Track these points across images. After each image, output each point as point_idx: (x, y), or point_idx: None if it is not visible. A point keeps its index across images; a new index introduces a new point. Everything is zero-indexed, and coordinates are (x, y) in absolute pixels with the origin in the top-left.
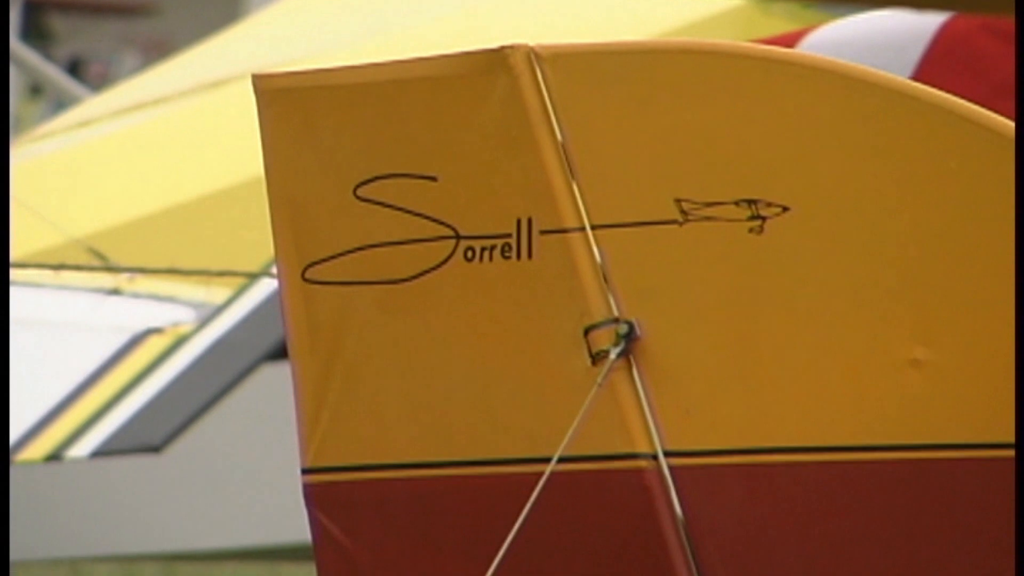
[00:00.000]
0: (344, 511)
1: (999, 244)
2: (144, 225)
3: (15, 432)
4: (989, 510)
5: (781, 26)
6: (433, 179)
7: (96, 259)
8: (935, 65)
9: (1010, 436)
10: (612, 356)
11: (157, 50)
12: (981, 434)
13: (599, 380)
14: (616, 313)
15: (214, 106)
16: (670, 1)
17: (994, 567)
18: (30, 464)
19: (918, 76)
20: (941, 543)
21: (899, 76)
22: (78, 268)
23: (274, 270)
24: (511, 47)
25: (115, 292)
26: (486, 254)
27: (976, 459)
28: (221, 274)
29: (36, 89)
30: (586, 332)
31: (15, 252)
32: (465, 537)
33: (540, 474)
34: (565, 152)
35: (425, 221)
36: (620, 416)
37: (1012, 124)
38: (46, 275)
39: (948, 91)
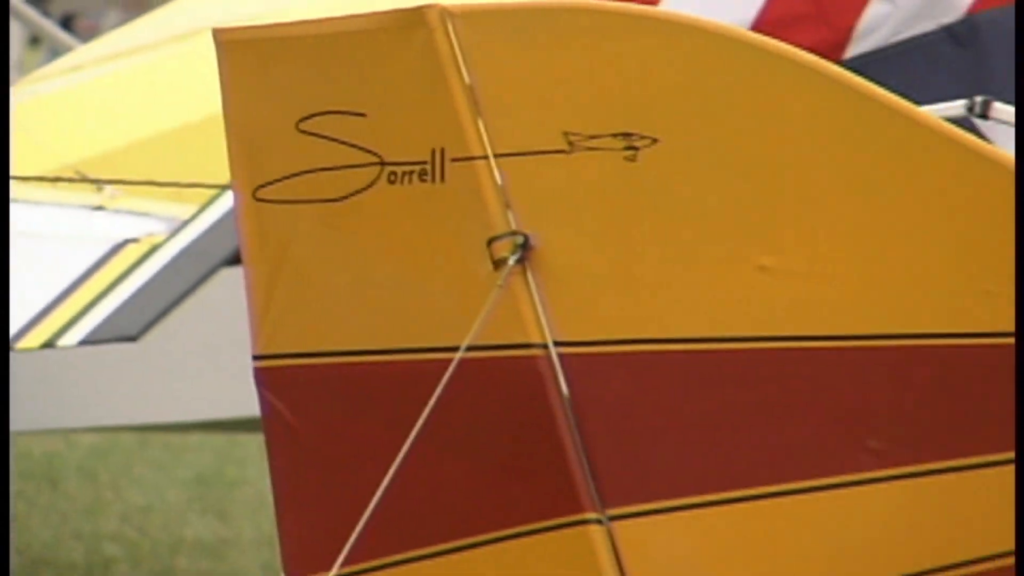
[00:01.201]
0: (288, 391)
1: (831, 168)
2: (125, 152)
3: (16, 324)
4: (825, 392)
5: None
6: (363, 115)
7: (83, 180)
8: (774, 7)
9: (841, 329)
10: (510, 262)
11: (136, 8)
12: (818, 328)
13: (500, 282)
14: (514, 227)
15: (183, 54)
16: None
17: (836, 446)
18: (28, 351)
19: (760, 20)
20: (787, 422)
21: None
22: (70, 180)
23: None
24: (427, 6)
25: (99, 208)
26: (407, 177)
27: (812, 349)
28: (190, 186)
29: (35, 40)
30: (489, 243)
31: (12, 174)
32: (390, 414)
33: (451, 360)
34: (472, 93)
35: (356, 150)
36: (517, 313)
37: (840, 68)
38: (43, 194)
39: (793, 37)
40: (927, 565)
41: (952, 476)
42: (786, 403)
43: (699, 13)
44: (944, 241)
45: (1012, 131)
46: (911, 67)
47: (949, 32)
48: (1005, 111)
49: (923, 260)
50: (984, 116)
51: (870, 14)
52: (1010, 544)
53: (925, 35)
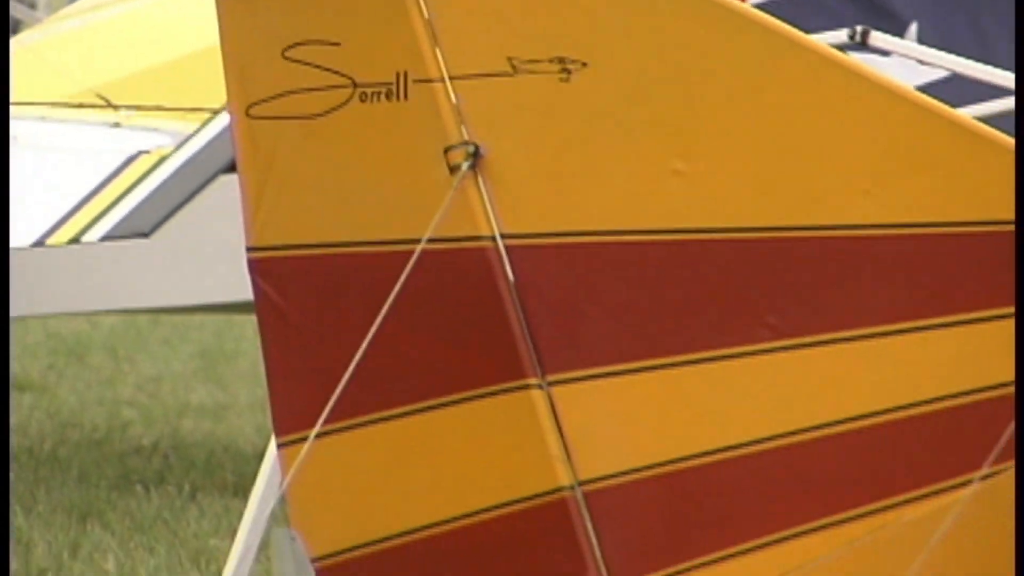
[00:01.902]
0: (276, 277)
1: (732, 87)
2: (139, 78)
3: (46, 224)
4: (730, 276)
5: None
6: (337, 44)
7: (103, 102)
8: None
9: (744, 222)
10: (464, 168)
11: None
12: (724, 222)
13: (455, 185)
14: (467, 138)
15: None
16: None
17: (740, 322)
18: (57, 246)
19: None
20: (699, 301)
21: None
22: (92, 106)
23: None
24: None
25: (116, 125)
26: (375, 97)
27: (720, 240)
28: (193, 110)
29: None
30: (445, 151)
31: (43, 99)
32: (363, 296)
33: (414, 251)
34: (430, 25)
35: (332, 74)
36: (469, 210)
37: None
38: (69, 114)
39: None
40: (817, 421)
41: (836, 347)
42: (698, 285)
43: None
44: (828, 147)
45: (897, 60)
46: (801, 15)
47: None
48: (881, 39)
49: (810, 164)
50: (863, 44)
51: None
52: (881, 405)
53: None
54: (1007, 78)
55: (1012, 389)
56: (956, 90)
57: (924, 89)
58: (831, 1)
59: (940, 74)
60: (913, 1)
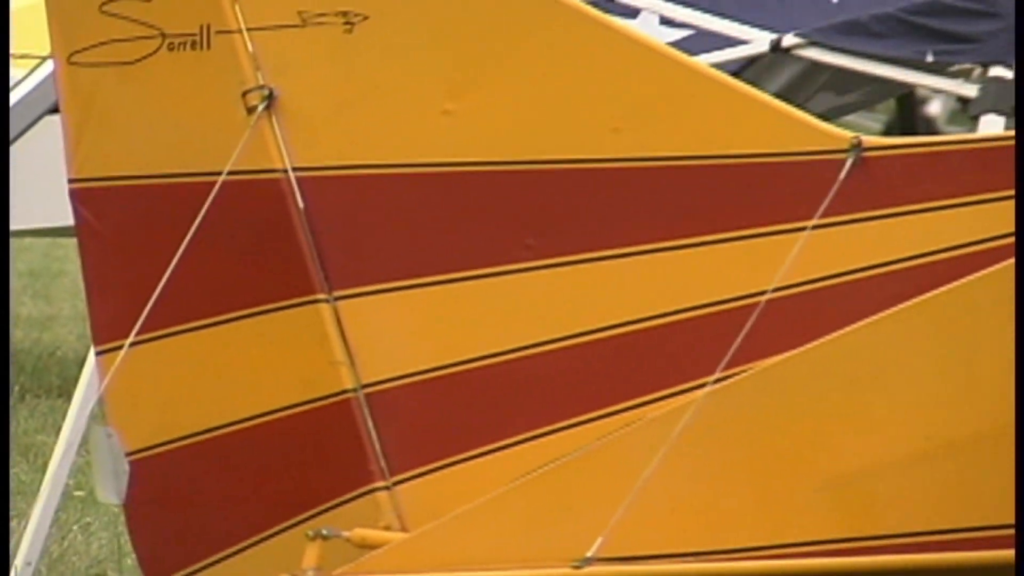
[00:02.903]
0: (95, 205)
1: (493, 39)
2: None
3: None
4: (495, 202)
5: None
6: (149, 1)
7: None
8: None
9: (506, 156)
10: (260, 108)
11: None
12: (488, 155)
13: (251, 124)
14: (262, 83)
15: None
16: None
17: (502, 244)
18: None
19: None
20: (467, 225)
21: None
22: None
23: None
24: None
25: None
26: (182, 46)
27: (484, 171)
28: (22, 57)
29: None
30: (244, 94)
31: None
32: (172, 221)
33: (217, 181)
34: None
35: (144, 26)
36: (264, 147)
37: None
38: None
39: None
40: (576, 330)
41: (588, 265)
42: (466, 212)
43: None
44: (581, 91)
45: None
46: None
47: None
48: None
49: (566, 105)
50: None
51: None
52: (628, 316)
53: None
54: (739, 29)
55: (738, 305)
56: (698, 43)
57: (673, 44)
58: None
59: (685, 32)
60: None
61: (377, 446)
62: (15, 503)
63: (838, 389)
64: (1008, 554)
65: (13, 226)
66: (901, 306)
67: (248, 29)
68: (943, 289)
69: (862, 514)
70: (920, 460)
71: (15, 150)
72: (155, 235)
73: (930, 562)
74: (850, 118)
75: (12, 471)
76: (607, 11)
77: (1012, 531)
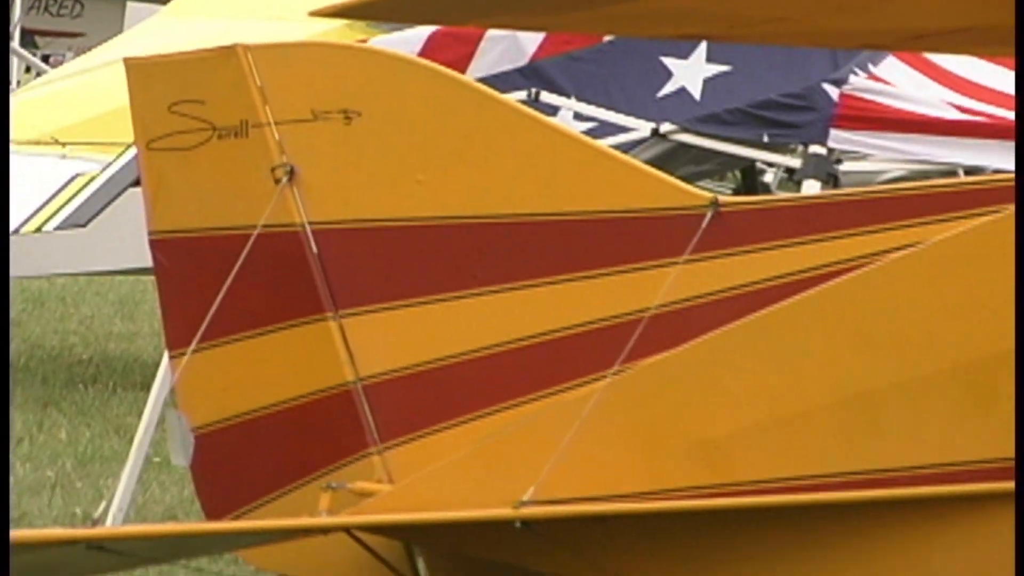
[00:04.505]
0: (167, 251)
1: (451, 125)
2: (78, 126)
3: (18, 219)
4: (452, 243)
5: (360, 35)
6: (203, 102)
7: (55, 142)
8: (430, 45)
9: (457, 212)
10: (284, 180)
11: (82, 52)
12: (448, 211)
13: (278, 191)
14: (286, 161)
15: (110, 72)
16: (301, 23)
17: (459, 274)
18: (29, 233)
19: (422, 52)
20: (434, 260)
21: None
22: (48, 143)
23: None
24: (236, 45)
25: (64, 157)
26: (228, 136)
27: (446, 225)
28: (111, 144)
29: (28, 69)
30: (272, 170)
31: (24, 137)
32: (221, 263)
33: (252, 234)
34: (262, 91)
35: (200, 121)
36: (287, 207)
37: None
38: (35, 150)
39: (432, 57)
40: (512, 336)
41: (516, 292)
42: (435, 252)
43: (391, 46)
44: (507, 163)
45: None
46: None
47: (519, 72)
48: (549, 98)
49: (497, 177)
50: (537, 100)
51: (477, 59)
52: (538, 329)
53: (505, 72)
54: (629, 120)
55: (627, 319)
56: (600, 131)
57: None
58: (516, 78)
59: (592, 124)
60: (570, 79)
61: (371, 422)
62: (112, 470)
63: (704, 377)
64: (825, 496)
65: (108, 267)
66: (748, 317)
67: (275, 123)
68: (776, 306)
69: (721, 468)
70: (764, 429)
71: (108, 212)
72: (209, 272)
73: (770, 503)
74: (707, 183)
75: (108, 444)
76: (536, 109)
77: (834, 478)
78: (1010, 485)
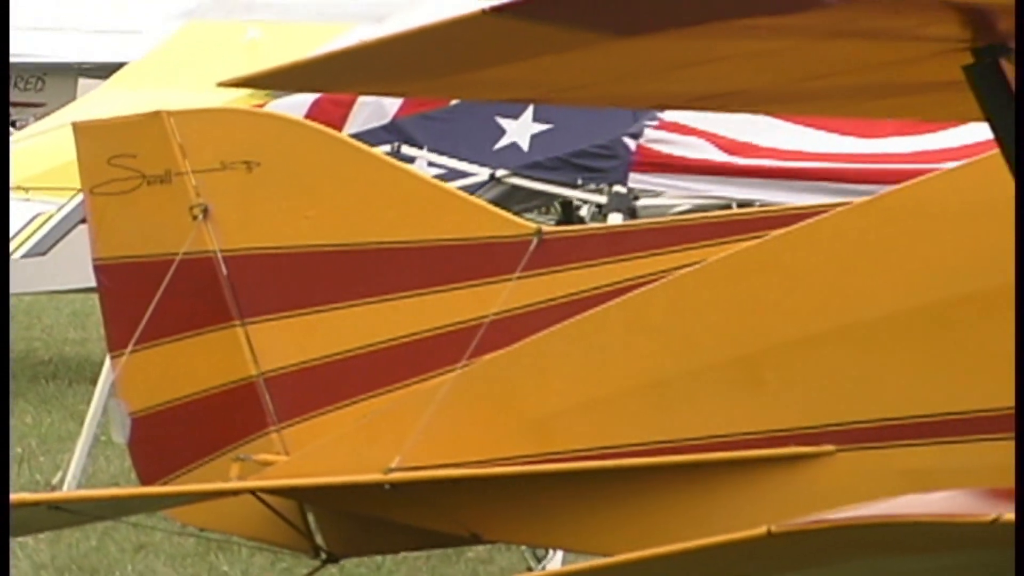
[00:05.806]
0: (107, 274)
1: (333, 168)
2: (40, 176)
3: None
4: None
5: (259, 100)
6: (135, 156)
7: (20, 188)
8: (314, 108)
9: (341, 240)
10: (200, 216)
11: (42, 117)
12: (332, 240)
13: (195, 226)
14: (202, 201)
15: (61, 134)
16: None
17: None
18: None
19: (308, 114)
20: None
21: (297, 116)
22: (15, 189)
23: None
24: (159, 111)
25: (28, 200)
26: (155, 182)
27: (330, 251)
28: (64, 189)
29: None
30: (190, 208)
31: None
32: (149, 282)
33: (173, 262)
34: (182, 147)
35: (132, 171)
36: (202, 238)
37: (335, 133)
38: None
39: (315, 118)
40: (395, 335)
41: (388, 303)
42: (323, 272)
43: (284, 109)
44: (375, 201)
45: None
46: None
47: (384, 128)
48: (409, 151)
49: (368, 212)
50: (399, 154)
51: (351, 119)
52: (412, 329)
53: (372, 129)
54: (471, 167)
55: (471, 324)
56: (448, 175)
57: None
58: (382, 133)
59: (441, 170)
60: (425, 134)
61: (271, 407)
62: (67, 447)
63: (532, 370)
64: (625, 462)
65: (64, 286)
66: (566, 322)
67: (192, 171)
68: (589, 312)
69: (544, 440)
70: (578, 409)
71: (62, 243)
72: (141, 290)
73: (582, 467)
74: (534, 215)
75: (65, 426)
76: (397, 159)
77: (633, 447)
78: (773, 451)
